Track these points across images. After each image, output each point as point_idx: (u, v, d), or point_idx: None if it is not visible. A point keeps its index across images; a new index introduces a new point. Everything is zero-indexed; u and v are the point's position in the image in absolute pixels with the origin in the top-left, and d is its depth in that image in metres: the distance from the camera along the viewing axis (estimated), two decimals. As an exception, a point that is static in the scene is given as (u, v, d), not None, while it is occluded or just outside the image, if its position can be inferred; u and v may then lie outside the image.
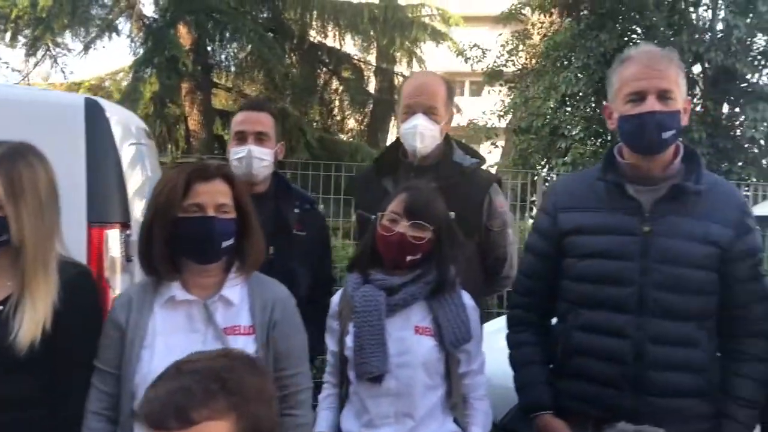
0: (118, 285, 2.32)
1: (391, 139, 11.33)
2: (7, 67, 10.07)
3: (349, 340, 1.84)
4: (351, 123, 10.92)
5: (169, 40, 7.99)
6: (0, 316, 1.59)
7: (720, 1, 7.58)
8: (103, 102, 2.50)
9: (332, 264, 2.74)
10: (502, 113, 10.24)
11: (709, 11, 7.76)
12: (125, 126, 2.61)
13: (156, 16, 8.74)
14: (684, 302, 1.71)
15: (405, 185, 1.96)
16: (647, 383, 1.72)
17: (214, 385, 1.03)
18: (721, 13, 7.47)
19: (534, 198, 5.97)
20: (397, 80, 10.78)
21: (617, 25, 7.94)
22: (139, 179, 2.75)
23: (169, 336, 1.63)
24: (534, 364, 1.90)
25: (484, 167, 2.48)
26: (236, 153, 2.30)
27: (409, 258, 1.83)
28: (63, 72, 9.83)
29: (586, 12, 8.36)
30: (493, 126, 10.16)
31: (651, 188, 1.77)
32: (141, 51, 8.41)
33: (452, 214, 2.25)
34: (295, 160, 6.85)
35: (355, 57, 10.20)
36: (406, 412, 1.80)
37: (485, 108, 10.90)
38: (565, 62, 8.44)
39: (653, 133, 1.71)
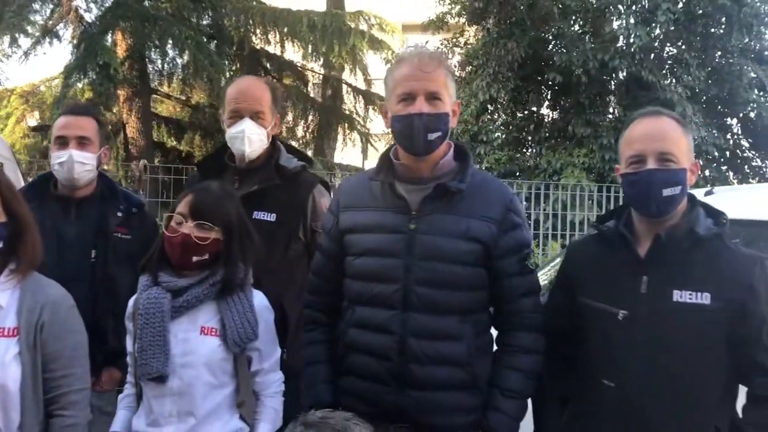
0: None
1: (338, 146, 11.41)
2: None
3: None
4: (300, 130, 10.95)
5: (101, 46, 7.95)
6: None
7: (629, 11, 7.78)
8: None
9: None
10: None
11: (620, 20, 7.97)
12: None
13: (95, 22, 8.68)
14: (445, 297, 1.75)
15: (195, 186, 1.98)
16: (409, 377, 1.75)
17: None
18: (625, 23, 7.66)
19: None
20: (347, 89, 10.87)
21: (530, 33, 8.09)
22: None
23: None
24: (318, 363, 1.92)
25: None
26: (58, 158, 2.31)
27: (195, 259, 1.85)
28: (-2, 78, 9.71)
29: (494, 21, 8.48)
30: None
31: (419, 187, 1.81)
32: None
33: (274, 215, 2.32)
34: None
35: (299, 64, 10.22)
36: (188, 411, 1.82)
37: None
38: (479, 70, 8.58)
39: (420, 134, 1.75)
